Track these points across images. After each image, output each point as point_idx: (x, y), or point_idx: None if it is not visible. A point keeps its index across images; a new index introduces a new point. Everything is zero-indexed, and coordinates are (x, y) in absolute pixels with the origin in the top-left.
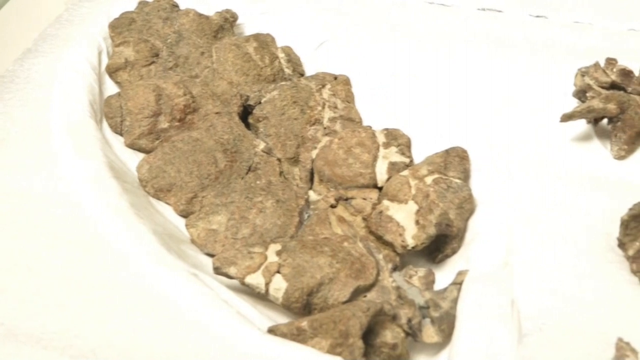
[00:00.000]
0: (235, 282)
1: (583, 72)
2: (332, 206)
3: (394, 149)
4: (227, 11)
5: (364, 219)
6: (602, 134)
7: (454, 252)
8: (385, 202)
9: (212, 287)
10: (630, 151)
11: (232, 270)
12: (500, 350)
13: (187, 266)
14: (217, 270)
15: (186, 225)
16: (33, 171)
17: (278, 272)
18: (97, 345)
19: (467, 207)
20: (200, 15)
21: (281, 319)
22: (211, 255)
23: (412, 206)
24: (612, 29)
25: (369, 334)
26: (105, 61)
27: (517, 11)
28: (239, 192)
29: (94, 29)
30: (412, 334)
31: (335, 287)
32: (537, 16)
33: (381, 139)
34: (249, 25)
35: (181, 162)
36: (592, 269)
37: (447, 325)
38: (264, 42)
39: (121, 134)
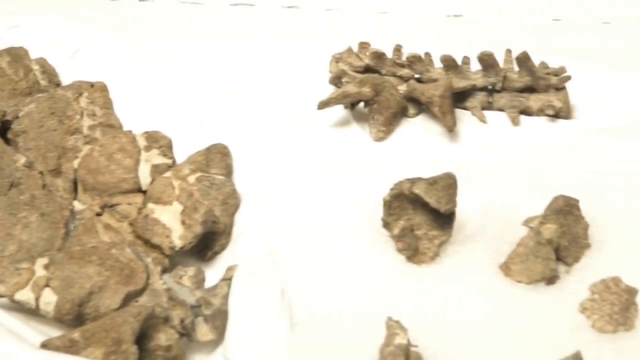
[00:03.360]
0: (5, 300)
1: (337, 58)
2: (98, 214)
3: (155, 151)
4: None
5: (131, 224)
6: (361, 118)
7: (223, 248)
8: (150, 205)
9: None
10: (388, 132)
11: (0, 289)
12: (273, 340)
13: None
14: None
15: None
16: None
17: (47, 285)
18: None
19: (231, 202)
20: None
21: (55, 332)
22: None
23: (177, 207)
24: (364, 13)
25: (143, 339)
26: None
27: (269, 3)
28: (2, 209)
29: None
30: (186, 334)
31: (105, 295)
32: (289, 7)
33: (142, 142)
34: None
35: None
36: (359, 251)
37: (220, 322)
38: (16, 55)
39: None
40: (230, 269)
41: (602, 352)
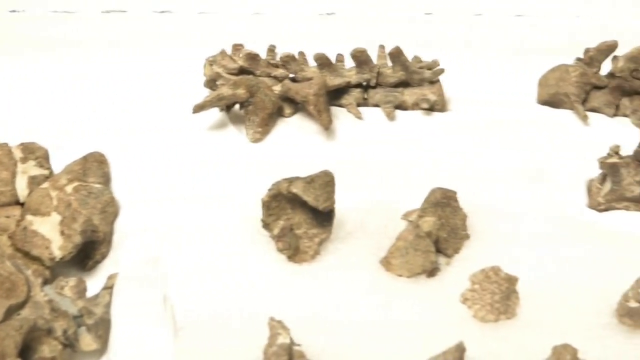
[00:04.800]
0: None
1: (211, 61)
2: None
3: (32, 162)
4: None
5: (10, 237)
6: (237, 120)
7: (104, 256)
8: (29, 217)
9: None
10: (264, 133)
11: None
12: (156, 346)
13: None
14: None
15: None
16: None
17: None
18: None
19: (110, 210)
20: None
21: None
22: None
23: (56, 217)
24: (236, 15)
25: (26, 352)
26: None
27: (141, 9)
28: None
29: None
30: (70, 344)
31: None
32: (162, 12)
33: (18, 154)
34: None
35: None
36: (240, 253)
37: (103, 331)
38: None
39: None
40: (112, 277)
41: (484, 341)
